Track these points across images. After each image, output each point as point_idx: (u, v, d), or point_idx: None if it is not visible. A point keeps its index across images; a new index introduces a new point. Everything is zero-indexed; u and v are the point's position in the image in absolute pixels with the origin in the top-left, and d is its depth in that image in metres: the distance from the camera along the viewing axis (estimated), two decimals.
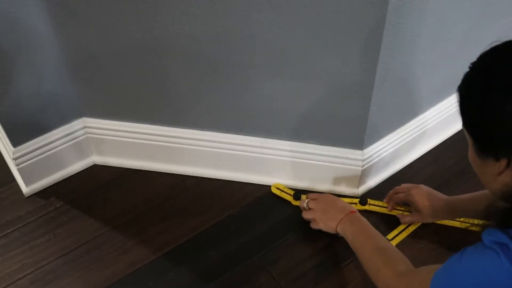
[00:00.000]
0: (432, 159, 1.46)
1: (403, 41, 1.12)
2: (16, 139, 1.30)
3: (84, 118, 1.36)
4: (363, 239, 1.12)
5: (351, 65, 1.13)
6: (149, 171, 1.42)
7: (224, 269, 1.22)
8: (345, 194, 1.36)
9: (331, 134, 1.28)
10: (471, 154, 0.86)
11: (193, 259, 1.24)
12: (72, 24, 1.16)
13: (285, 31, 1.09)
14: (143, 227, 1.30)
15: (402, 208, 1.31)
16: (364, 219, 1.18)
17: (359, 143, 1.29)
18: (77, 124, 1.36)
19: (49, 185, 1.39)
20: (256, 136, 1.33)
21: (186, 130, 1.35)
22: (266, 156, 1.35)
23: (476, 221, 1.27)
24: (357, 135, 1.27)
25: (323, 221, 1.23)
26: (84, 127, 1.37)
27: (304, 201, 1.28)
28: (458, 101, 0.84)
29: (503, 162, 0.78)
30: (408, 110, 1.35)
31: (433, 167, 1.44)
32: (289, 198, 1.35)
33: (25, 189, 1.36)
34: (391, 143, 1.35)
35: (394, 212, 1.31)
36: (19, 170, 1.33)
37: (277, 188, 1.37)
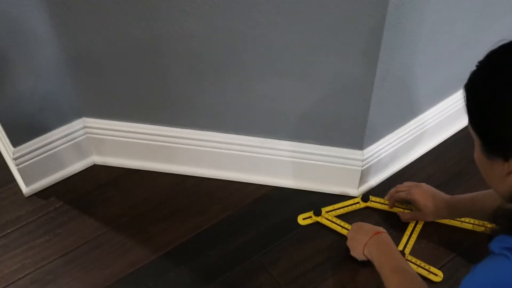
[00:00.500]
0: (432, 159, 1.46)
1: (403, 41, 1.12)
2: (16, 139, 1.30)
3: (84, 118, 1.36)
4: (387, 270, 1.07)
5: (351, 65, 1.13)
6: (149, 171, 1.42)
7: (224, 269, 1.22)
8: (345, 194, 1.36)
9: (331, 134, 1.28)
10: (477, 154, 0.84)
11: (193, 259, 1.24)
12: (72, 24, 1.16)
13: (285, 31, 1.09)
14: (143, 227, 1.30)
15: (403, 206, 1.31)
16: (390, 242, 1.13)
17: (359, 143, 1.29)
18: (77, 124, 1.36)
19: (49, 185, 1.39)
20: (256, 136, 1.33)
21: (186, 130, 1.35)
22: (266, 156, 1.35)
23: (475, 221, 1.27)
24: (357, 135, 1.27)
25: (352, 248, 1.19)
26: (84, 127, 1.37)
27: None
28: (464, 100, 0.83)
29: None
30: (408, 110, 1.35)
31: (433, 167, 1.44)
32: (338, 228, 1.29)
33: (25, 189, 1.36)
34: (391, 143, 1.35)
35: (394, 210, 1.31)
36: (19, 170, 1.33)
37: (304, 219, 1.33)
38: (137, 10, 1.11)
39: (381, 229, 1.17)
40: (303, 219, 1.31)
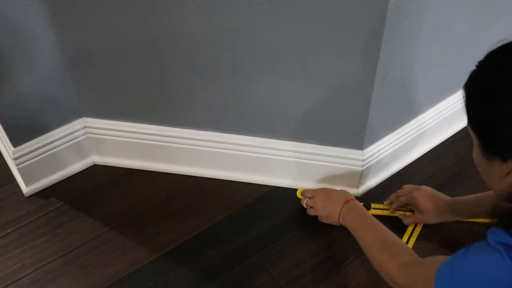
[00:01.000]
0: (432, 159, 1.46)
1: (403, 41, 1.12)
2: (16, 139, 1.30)
3: (84, 118, 1.36)
4: (362, 231, 1.13)
5: (351, 65, 1.13)
6: (149, 171, 1.42)
7: (224, 269, 1.22)
8: None
9: (331, 134, 1.29)
10: (476, 154, 0.85)
11: (193, 259, 1.24)
12: (72, 24, 1.16)
13: (285, 31, 1.09)
14: (143, 227, 1.30)
15: (404, 208, 1.31)
16: (360, 207, 1.18)
17: (359, 143, 1.29)
18: (77, 124, 1.36)
19: (49, 185, 1.39)
20: (256, 136, 1.33)
21: (186, 130, 1.35)
22: (266, 156, 1.35)
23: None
24: (357, 135, 1.27)
25: (326, 218, 1.25)
26: (84, 127, 1.37)
27: (303, 200, 1.29)
28: (464, 100, 0.83)
29: (510, 163, 0.78)
30: (408, 110, 1.35)
31: (433, 167, 1.44)
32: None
33: (25, 189, 1.36)
34: (391, 143, 1.35)
35: (396, 213, 1.31)
36: (19, 170, 1.33)
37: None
38: (137, 10, 1.11)
39: (348, 195, 1.24)
40: (301, 193, 1.35)
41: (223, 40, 1.13)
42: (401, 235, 1.27)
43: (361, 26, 1.06)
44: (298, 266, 1.23)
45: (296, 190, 1.37)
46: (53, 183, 1.39)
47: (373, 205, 1.33)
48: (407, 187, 1.31)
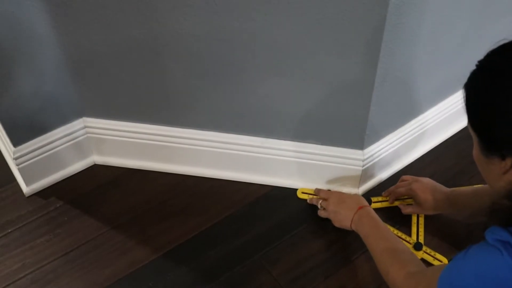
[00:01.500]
0: (432, 159, 1.46)
1: (403, 41, 1.12)
2: (16, 139, 1.30)
3: (84, 118, 1.36)
4: (373, 239, 1.13)
5: (351, 65, 1.13)
6: (149, 171, 1.42)
7: (224, 269, 1.22)
8: None
9: (332, 134, 1.28)
10: (475, 152, 0.86)
11: (193, 259, 1.24)
12: (72, 24, 1.16)
13: (285, 31, 1.09)
14: (143, 227, 1.30)
15: (404, 197, 1.32)
16: (373, 215, 1.18)
17: (360, 143, 1.29)
18: (77, 124, 1.36)
19: (49, 185, 1.39)
20: (256, 136, 1.33)
21: (186, 130, 1.35)
22: (267, 156, 1.34)
23: None
24: (357, 135, 1.27)
25: (338, 222, 1.24)
26: (85, 127, 1.37)
27: (318, 201, 1.29)
28: (464, 99, 0.84)
29: (509, 161, 0.78)
30: (408, 110, 1.35)
31: (433, 167, 1.44)
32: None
33: (26, 189, 1.36)
34: (391, 143, 1.35)
35: (395, 203, 1.32)
36: (19, 169, 1.33)
37: (303, 193, 1.37)
38: (138, 10, 1.11)
39: (362, 201, 1.22)
40: (302, 193, 1.35)
41: (223, 40, 1.13)
42: (404, 226, 1.28)
43: (362, 26, 1.06)
44: (298, 266, 1.23)
45: (296, 190, 1.37)
46: (54, 183, 1.39)
47: (373, 199, 1.34)
48: (406, 178, 1.32)
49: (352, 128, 1.26)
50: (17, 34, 1.14)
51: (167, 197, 1.37)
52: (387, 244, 1.10)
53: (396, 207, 1.32)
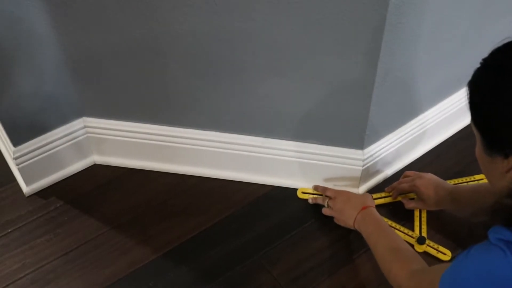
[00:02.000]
0: (433, 159, 1.46)
1: (404, 41, 1.11)
2: (16, 139, 1.30)
3: (84, 118, 1.36)
4: (375, 238, 1.14)
5: (351, 65, 1.13)
6: (149, 171, 1.42)
7: (224, 269, 1.22)
8: None
9: (332, 134, 1.28)
10: (478, 150, 0.86)
11: (193, 259, 1.24)
12: (72, 24, 1.16)
13: (285, 31, 1.09)
14: (143, 227, 1.30)
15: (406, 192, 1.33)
16: (376, 215, 1.19)
17: (360, 143, 1.29)
18: (77, 124, 1.36)
19: (49, 185, 1.39)
20: (257, 136, 1.33)
21: (186, 129, 1.35)
22: (267, 156, 1.34)
23: None
24: (357, 135, 1.27)
25: (342, 220, 1.25)
26: (85, 126, 1.37)
27: (325, 200, 1.30)
28: (467, 97, 0.83)
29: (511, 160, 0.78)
30: (408, 110, 1.35)
31: (434, 166, 1.43)
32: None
33: (26, 189, 1.37)
34: (391, 143, 1.35)
35: (399, 198, 1.33)
36: (19, 169, 1.33)
37: (304, 193, 1.37)
38: (138, 10, 1.11)
39: (368, 200, 1.23)
40: (302, 193, 1.36)
41: (224, 40, 1.13)
42: (406, 222, 1.29)
43: (362, 26, 1.06)
44: (299, 266, 1.23)
45: (296, 190, 1.37)
46: (54, 182, 1.39)
47: (374, 195, 1.34)
48: (409, 173, 1.33)
49: (352, 128, 1.26)
50: (17, 34, 1.14)
51: (167, 197, 1.37)
52: (389, 242, 1.10)
53: (399, 203, 1.33)
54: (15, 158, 1.31)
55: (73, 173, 1.42)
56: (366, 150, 1.30)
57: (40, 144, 1.33)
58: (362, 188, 1.37)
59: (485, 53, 0.82)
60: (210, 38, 1.13)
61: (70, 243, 1.27)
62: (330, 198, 1.29)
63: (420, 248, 1.23)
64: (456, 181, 1.36)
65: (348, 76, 1.15)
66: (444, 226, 1.28)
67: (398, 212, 1.31)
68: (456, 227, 1.28)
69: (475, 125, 0.84)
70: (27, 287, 1.20)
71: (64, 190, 1.38)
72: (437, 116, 1.42)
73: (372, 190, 1.38)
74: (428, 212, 1.30)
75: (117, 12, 1.12)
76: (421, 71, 1.24)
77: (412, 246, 1.23)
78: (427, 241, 1.24)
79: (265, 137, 1.33)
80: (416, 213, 1.31)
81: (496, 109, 0.78)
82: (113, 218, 1.32)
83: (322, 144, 1.31)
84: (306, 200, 1.35)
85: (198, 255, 1.24)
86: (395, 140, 1.36)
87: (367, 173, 1.35)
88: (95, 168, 1.44)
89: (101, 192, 1.38)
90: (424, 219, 1.29)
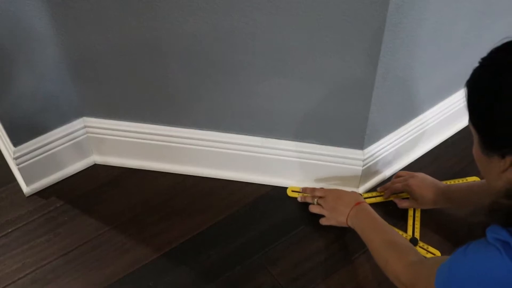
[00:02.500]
0: (432, 158, 1.46)
1: (404, 41, 1.11)
2: (16, 139, 1.30)
3: (84, 118, 1.36)
4: (370, 232, 1.14)
5: (351, 65, 1.13)
6: (149, 171, 1.42)
7: (224, 269, 1.22)
8: None
9: (332, 133, 1.28)
10: (476, 150, 0.85)
11: (193, 259, 1.24)
12: (72, 23, 1.16)
13: (286, 31, 1.09)
14: (143, 227, 1.30)
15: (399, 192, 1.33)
16: (370, 210, 1.19)
17: (360, 143, 1.29)
18: (77, 124, 1.36)
19: (49, 185, 1.39)
20: (257, 136, 1.33)
21: (186, 129, 1.35)
22: (267, 156, 1.34)
23: None
24: (357, 135, 1.27)
25: (334, 218, 1.25)
26: (85, 126, 1.37)
27: (314, 198, 1.30)
28: (466, 96, 0.83)
29: (508, 160, 0.78)
30: (408, 110, 1.35)
31: (433, 166, 1.44)
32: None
33: (26, 189, 1.37)
34: (391, 143, 1.35)
35: (391, 197, 1.33)
36: (19, 169, 1.33)
37: (293, 191, 1.37)
38: (138, 10, 1.11)
39: (359, 198, 1.24)
40: (292, 191, 1.36)
41: (224, 40, 1.13)
42: (399, 221, 1.29)
43: (362, 26, 1.06)
44: (299, 266, 1.23)
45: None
46: (54, 182, 1.39)
47: (364, 195, 1.34)
48: (402, 173, 1.33)
49: (352, 128, 1.26)
50: (17, 34, 1.14)
51: (167, 197, 1.37)
52: (384, 236, 1.10)
53: (392, 202, 1.33)
54: (15, 158, 1.31)
55: (73, 173, 1.42)
56: (366, 150, 1.31)
57: (40, 144, 1.33)
58: (362, 188, 1.37)
59: (485, 53, 0.82)
60: (210, 37, 1.13)
61: (70, 243, 1.27)
62: (320, 197, 1.29)
63: None
64: (450, 182, 1.36)
65: (348, 76, 1.15)
66: (437, 224, 1.29)
67: (391, 212, 1.31)
68: (450, 224, 1.28)
69: (473, 125, 0.84)
70: (27, 287, 1.20)
71: (64, 190, 1.38)
72: (437, 116, 1.42)
73: (372, 190, 1.38)
74: (425, 212, 1.30)
75: (117, 12, 1.12)
76: (421, 71, 1.24)
77: None
78: (421, 243, 1.24)
79: (264, 137, 1.33)
80: (410, 212, 1.31)
81: (494, 108, 0.78)
82: (113, 218, 1.32)
83: (322, 144, 1.31)
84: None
85: (198, 255, 1.24)
86: (395, 140, 1.36)
87: (367, 173, 1.35)
88: (95, 168, 1.44)
89: (101, 192, 1.38)
90: (417, 218, 1.29)
